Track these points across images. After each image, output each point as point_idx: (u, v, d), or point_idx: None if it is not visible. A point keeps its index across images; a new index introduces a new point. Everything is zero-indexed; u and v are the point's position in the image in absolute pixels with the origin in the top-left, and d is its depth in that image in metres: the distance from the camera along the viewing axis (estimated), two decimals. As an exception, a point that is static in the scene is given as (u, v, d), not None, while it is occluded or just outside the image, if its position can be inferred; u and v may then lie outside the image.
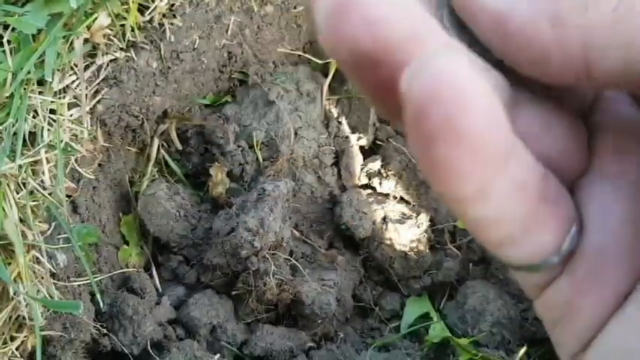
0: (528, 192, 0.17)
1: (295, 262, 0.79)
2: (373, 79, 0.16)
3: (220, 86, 0.91)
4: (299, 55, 0.93)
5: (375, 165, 0.90)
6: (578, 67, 0.17)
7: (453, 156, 0.14)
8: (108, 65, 0.72)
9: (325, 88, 0.94)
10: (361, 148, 0.92)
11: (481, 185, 0.15)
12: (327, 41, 0.16)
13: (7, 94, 0.62)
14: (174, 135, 0.85)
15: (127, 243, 0.82)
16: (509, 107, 0.18)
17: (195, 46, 0.81)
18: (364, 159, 0.91)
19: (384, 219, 0.86)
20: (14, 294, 0.57)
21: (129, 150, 0.83)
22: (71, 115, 0.69)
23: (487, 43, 0.18)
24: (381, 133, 0.92)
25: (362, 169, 0.90)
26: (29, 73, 0.63)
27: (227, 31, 0.83)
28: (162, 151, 0.86)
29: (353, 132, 0.93)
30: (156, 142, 0.84)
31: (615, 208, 0.18)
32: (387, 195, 0.88)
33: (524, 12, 0.17)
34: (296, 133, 0.88)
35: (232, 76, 0.91)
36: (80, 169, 0.72)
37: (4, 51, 0.62)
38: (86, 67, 0.70)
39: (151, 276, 0.81)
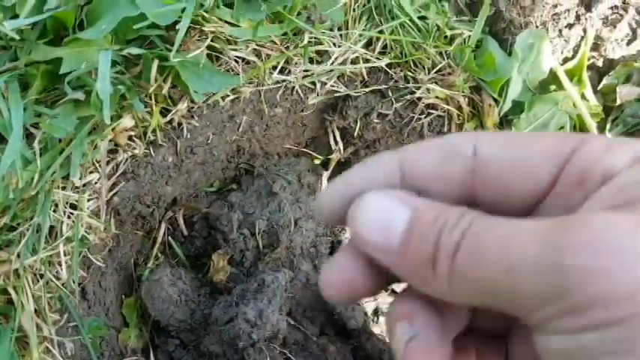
0: None
1: (289, 354, 0.82)
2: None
3: (227, 174, 0.96)
4: (302, 150, 0.99)
5: (369, 258, 0.94)
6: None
7: None
8: (127, 160, 0.77)
9: (324, 180, 1.00)
10: (356, 239, 0.97)
11: None
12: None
13: (33, 192, 0.67)
14: (181, 222, 0.89)
15: (126, 324, 0.85)
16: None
17: (208, 142, 0.86)
18: (358, 250, 0.96)
19: (376, 311, 0.90)
20: (25, 388, 0.60)
21: (136, 234, 0.87)
22: (88, 208, 0.74)
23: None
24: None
25: (356, 260, 0.95)
26: (55, 172, 0.68)
27: (238, 128, 0.89)
28: (167, 235, 0.90)
29: (349, 224, 0.98)
30: (163, 227, 0.89)
31: None
32: (378, 288, 0.93)
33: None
34: (296, 223, 0.93)
35: (239, 165, 0.96)
36: (91, 257, 0.76)
37: (34, 152, 0.67)
38: (107, 163, 0.75)
39: (148, 358, 0.84)
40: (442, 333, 0.27)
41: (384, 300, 0.92)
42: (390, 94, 0.89)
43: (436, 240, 0.24)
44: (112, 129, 0.73)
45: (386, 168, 0.27)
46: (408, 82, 0.87)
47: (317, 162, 1.01)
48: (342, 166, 1.04)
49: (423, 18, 0.87)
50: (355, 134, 0.97)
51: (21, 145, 0.64)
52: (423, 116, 0.89)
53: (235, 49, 0.80)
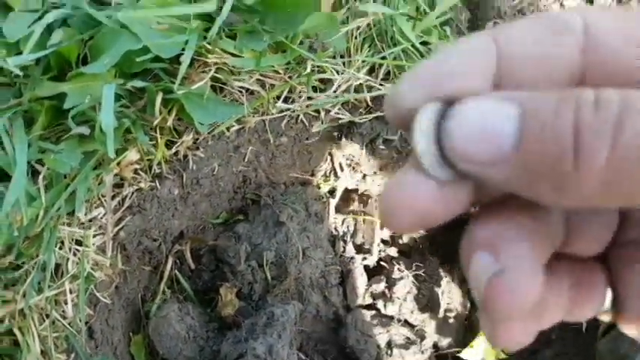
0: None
1: (302, 389, 0.80)
2: None
3: (234, 205, 0.95)
4: (308, 178, 0.98)
5: (380, 286, 0.92)
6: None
7: None
8: (133, 194, 0.76)
9: (332, 208, 0.99)
10: (366, 267, 0.96)
11: None
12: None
13: (38, 230, 0.65)
14: (188, 255, 0.88)
15: (135, 363, 0.83)
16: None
17: (214, 173, 0.86)
18: (369, 279, 0.94)
19: (389, 344, 0.88)
20: None
21: (143, 269, 0.86)
22: (94, 244, 0.72)
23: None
24: (385, 255, 0.96)
25: (367, 289, 0.93)
26: (60, 208, 0.67)
27: (244, 158, 0.88)
28: (174, 269, 0.89)
29: (358, 252, 0.96)
30: (170, 261, 0.87)
31: None
32: (391, 317, 0.91)
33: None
34: (304, 253, 0.92)
35: (246, 196, 0.95)
36: (98, 294, 0.74)
37: (38, 188, 0.66)
38: (112, 197, 0.74)
39: (157, 397, 0.82)
40: (533, 263, 0.22)
41: (397, 331, 0.89)
42: (396, 119, 0.88)
43: (574, 124, 0.19)
44: (117, 163, 0.72)
45: (480, 49, 0.22)
46: (413, 107, 0.87)
47: (324, 190, 1.00)
48: (349, 192, 1.03)
49: (425, 43, 0.87)
50: (361, 161, 0.96)
51: (25, 181, 0.63)
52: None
53: (239, 80, 0.80)
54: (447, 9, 0.81)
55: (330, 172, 1.01)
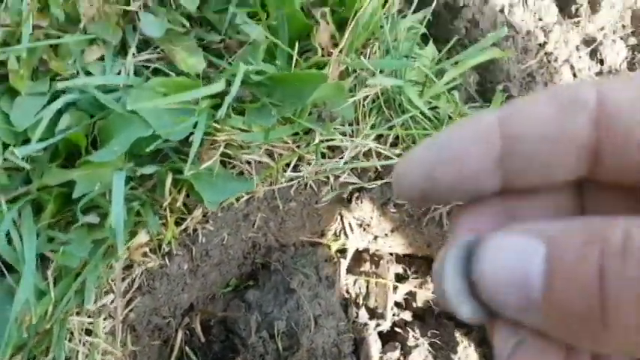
0: None
1: None
2: None
3: (243, 270, 0.94)
4: (317, 241, 0.97)
5: (395, 354, 0.90)
6: None
7: None
8: (142, 274, 0.75)
9: (343, 270, 0.98)
10: (380, 333, 0.94)
11: None
12: None
13: (48, 326, 0.64)
14: (198, 329, 0.86)
15: None
16: None
17: (224, 243, 0.84)
18: (383, 345, 0.93)
19: (405, 414, 0.86)
20: None
21: (152, 345, 0.84)
22: (104, 329, 0.71)
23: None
24: (399, 319, 0.94)
25: (381, 357, 0.91)
26: (69, 301, 0.66)
27: (253, 225, 0.87)
28: (184, 342, 0.87)
29: (371, 317, 0.95)
30: (180, 334, 0.86)
31: None
32: (408, 387, 0.89)
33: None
34: (316, 322, 0.90)
35: (255, 260, 0.94)
36: (108, 380, 0.73)
37: (48, 283, 0.65)
38: (122, 279, 0.73)
39: None
40: None
41: (413, 398, 0.87)
42: (406, 184, 0.87)
43: (599, 275, 0.18)
44: (127, 247, 0.71)
45: (482, 130, 0.22)
46: (424, 173, 0.86)
47: (334, 249, 0.99)
48: (360, 253, 1.01)
49: (433, 108, 0.86)
50: (372, 223, 0.95)
51: (34, 279, 0.62)
52: (442, 205, 0.87)
53: (248, 153, 0.79)
54: (456, 75, 0.80)
55: (340, 232, 0.99)
